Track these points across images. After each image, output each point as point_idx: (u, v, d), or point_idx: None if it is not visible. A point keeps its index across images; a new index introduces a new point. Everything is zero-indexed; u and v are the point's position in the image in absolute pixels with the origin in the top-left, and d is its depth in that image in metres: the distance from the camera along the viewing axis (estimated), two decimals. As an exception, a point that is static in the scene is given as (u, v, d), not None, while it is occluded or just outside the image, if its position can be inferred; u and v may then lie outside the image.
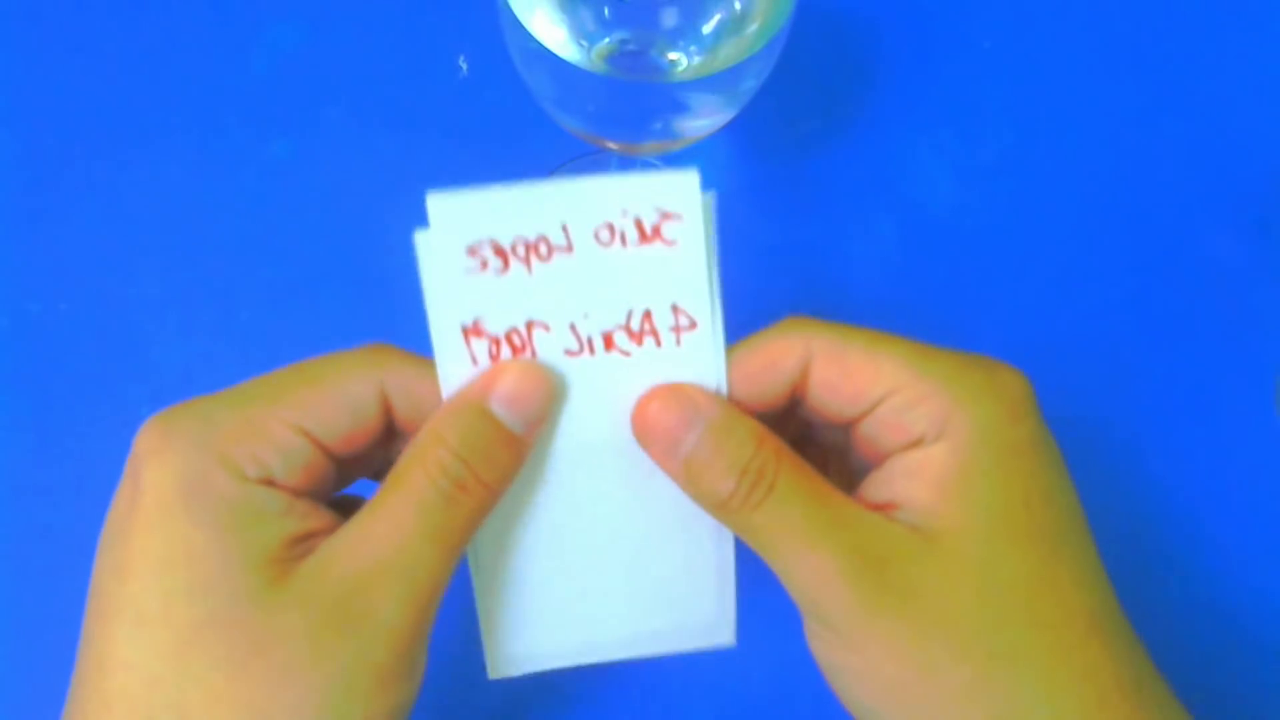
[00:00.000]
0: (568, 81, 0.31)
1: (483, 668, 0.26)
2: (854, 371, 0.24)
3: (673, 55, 0.33)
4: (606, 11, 0.33)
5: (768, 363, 0.24)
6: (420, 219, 0.22)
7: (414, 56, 0.47)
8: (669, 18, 0.33)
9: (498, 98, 0.47)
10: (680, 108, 0.32)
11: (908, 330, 0.25)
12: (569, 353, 0.23)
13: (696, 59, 0.33)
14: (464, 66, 0.48)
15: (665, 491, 0.25)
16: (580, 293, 0.23)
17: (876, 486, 0.24)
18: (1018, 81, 0.49)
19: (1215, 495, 0.41)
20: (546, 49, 0.30)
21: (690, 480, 0.24)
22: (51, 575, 0.37)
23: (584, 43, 0.32)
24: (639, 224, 0.23)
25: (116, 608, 0.22)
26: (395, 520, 0.22)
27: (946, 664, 0.22)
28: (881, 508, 0.23)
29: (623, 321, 0.23)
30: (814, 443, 0.28)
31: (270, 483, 0.22)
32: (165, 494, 0.22)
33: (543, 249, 0.22)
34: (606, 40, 0.33)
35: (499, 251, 0.22)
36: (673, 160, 0.46)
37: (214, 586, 0.21)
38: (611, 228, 0.23)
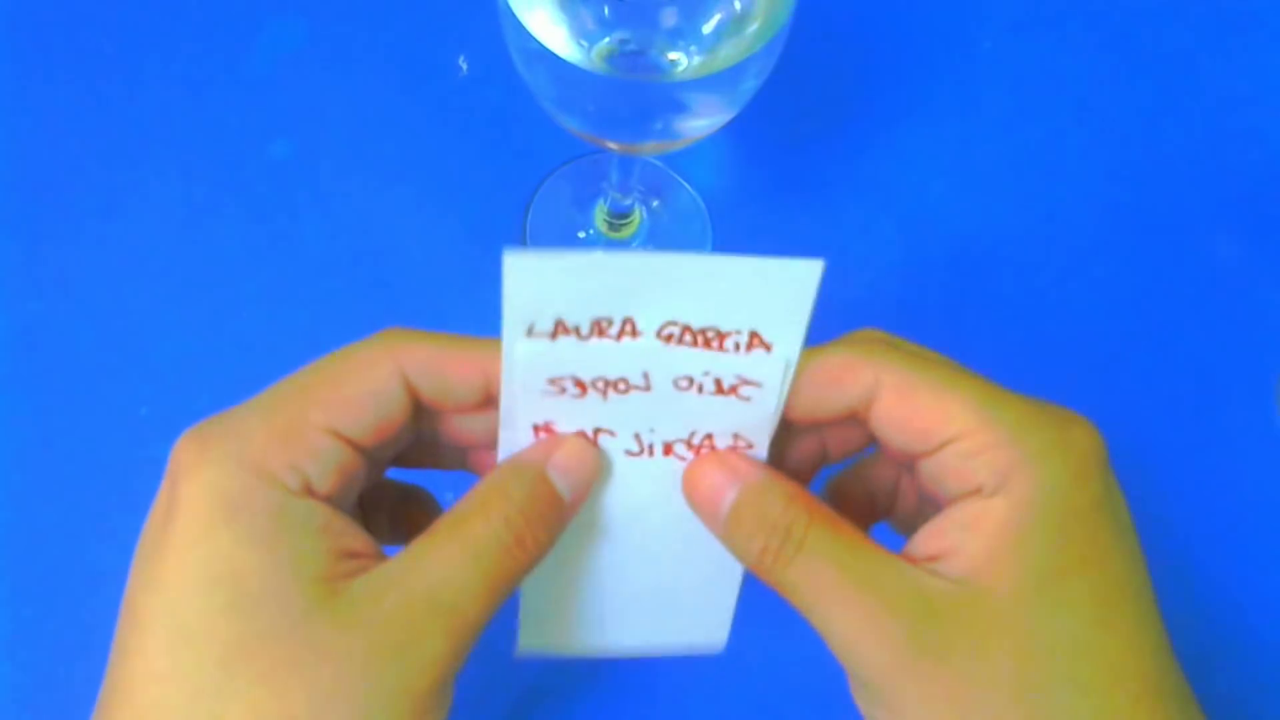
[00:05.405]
0: (568, 81, 0.31)
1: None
2: (922, 411, 0.23)
3: (673, 55, 0.33)
4: (606, 11, 0.33)
5: (834, 379, 0.24)
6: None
7: (414, 56, 0.47)
8: (669, 18, 0.33)
9: (498, 98, 0.47)
10: (680, 108, 0.32)
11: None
12: (629, 453, 0.25)
13: (696, 59, 0.33)
14: (464, 66, 0.48)
15: (690, 536, 0.26)
16: (650, 416, 0.24)
17: (929, 536, 0.24)
18: (1018, 82, 0.49)
19: (1215, 495, 0.41)
20: (546, 49, 0.30)
21: (729, 539, 0.24)
22: (51, 575, 0.37)
23: (584, 43, 0.32)
24: (718, 383, 0.24)
25: (153, 621, 0.22)
26: (452, 561, 0.23)
27: None
28: (931, 558, 0.23)
29: (684, 437, 0.25)
30: (882, 461, 0.28)
31: (308, 490, 0.23)
32: (204, 510, 0.22)
33: (621, 386, 0.24)
34: (606, 40, 0.33)
35: (579, 384, 0.24)
36: (673, 160, 0.46)
37: (261, 602, 0.21)
38: (690, 379, 0.24)
